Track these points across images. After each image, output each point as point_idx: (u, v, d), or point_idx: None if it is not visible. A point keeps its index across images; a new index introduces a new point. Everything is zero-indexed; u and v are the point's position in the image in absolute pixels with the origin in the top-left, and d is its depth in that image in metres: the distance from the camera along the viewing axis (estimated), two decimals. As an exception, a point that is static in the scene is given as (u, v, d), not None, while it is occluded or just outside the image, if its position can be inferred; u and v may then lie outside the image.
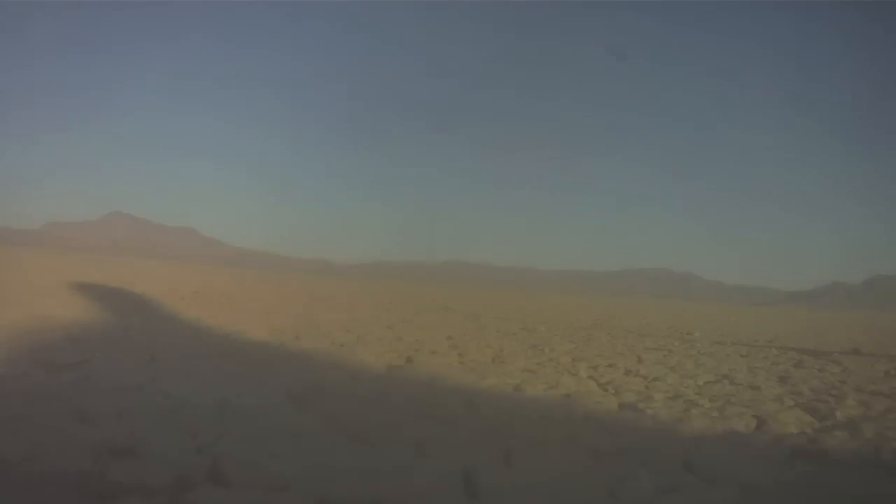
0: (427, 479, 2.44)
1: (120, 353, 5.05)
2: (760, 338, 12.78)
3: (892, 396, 5.10)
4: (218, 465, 2.44)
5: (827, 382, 5.90)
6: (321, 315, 11.63)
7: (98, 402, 3.30)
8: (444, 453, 2.80)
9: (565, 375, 5.56)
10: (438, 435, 3.12)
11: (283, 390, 4.06)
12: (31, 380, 3.72)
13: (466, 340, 8.30)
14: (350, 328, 9.13)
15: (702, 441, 3.28)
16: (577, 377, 5.52)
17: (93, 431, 2.75)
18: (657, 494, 2.43)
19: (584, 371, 5.93)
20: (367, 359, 5.75)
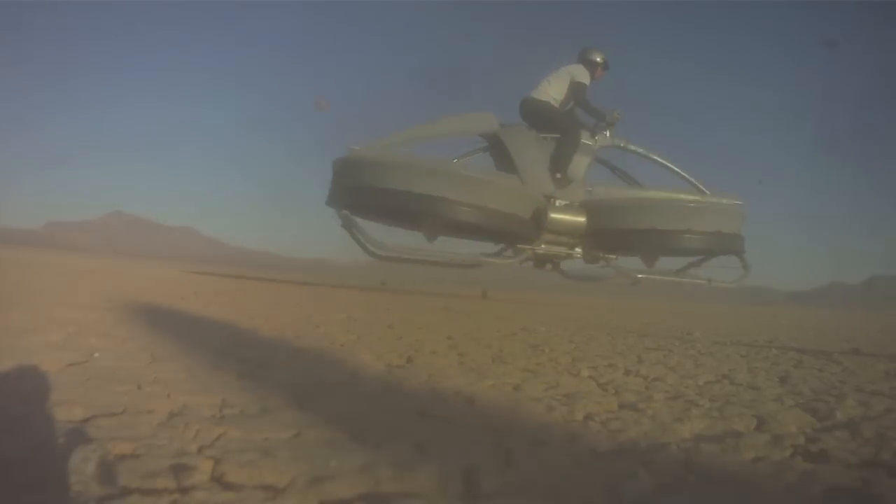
0: (427, 479, 2.45)
1: (120, 353, 5.06)
2: (760, 338, 12.79)
3: (892, 396, 5.10)
4: (218, 465, 2.44)
5: (827, 382, 5.91)
6: (321, 315, 11.63)
7: (98, 402, 3.31)
8: (444, 453, 2.80)
9: (565, 375, 5.56)
10: (438, 435, 3.12)
11: (284, 390, 4.07)
12: (31, 380, 3.73)
13: (466, 341, 8.30)
14: (350, 328, 9.13)
15: (702, 441, 3.28)
16: (578, 377, 5.52)
17: (92, 431, 2.76)
18: (657, 494, 2.44)
19: (584, 371, 5.94)
20: (367, 358, 5.75)
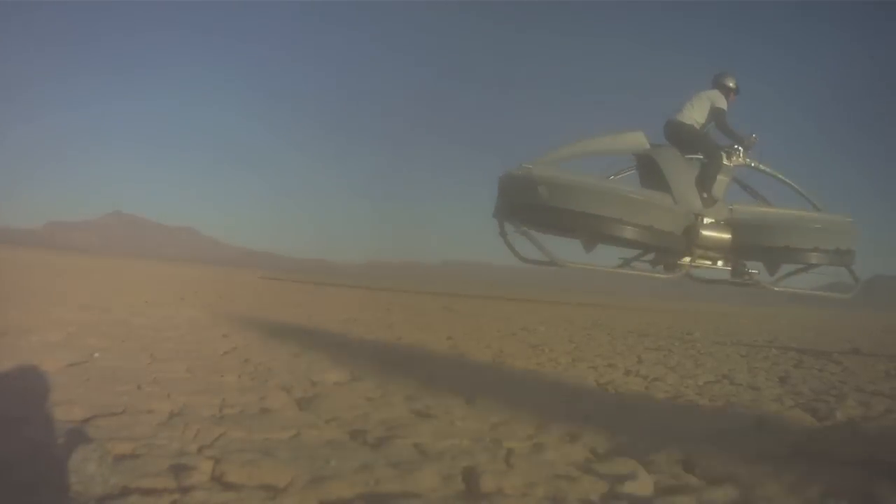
0: (427, 479, 2.45)
1: (120, 353, 5.06)
2: (760, 338, 12.78)
3: (892, 396, 5.10)
4: (218, 465, 2.45)
5: (827, 382, 5.91)
6: (321, 315, 11.63)
7: (98, 402, 3.31)
8: (444, 453, 2.81)
9: (565, 376, 5.56)
10: (438, 435, 3.12)
11: (284, 390, 4.07)
12: (31, 380, 3.73)
13: (466, 341, 8.31)
14: (350, 328, 9.14)
15: (702, 441, 3.28)
16: (578, 377, 5.53)
17: (93, 431, 2.76)
18: (657, 494, 2.44)
19: (584, 371, 5.94)
20: (367, 358, 5.75)
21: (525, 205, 4.99)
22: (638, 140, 5.61)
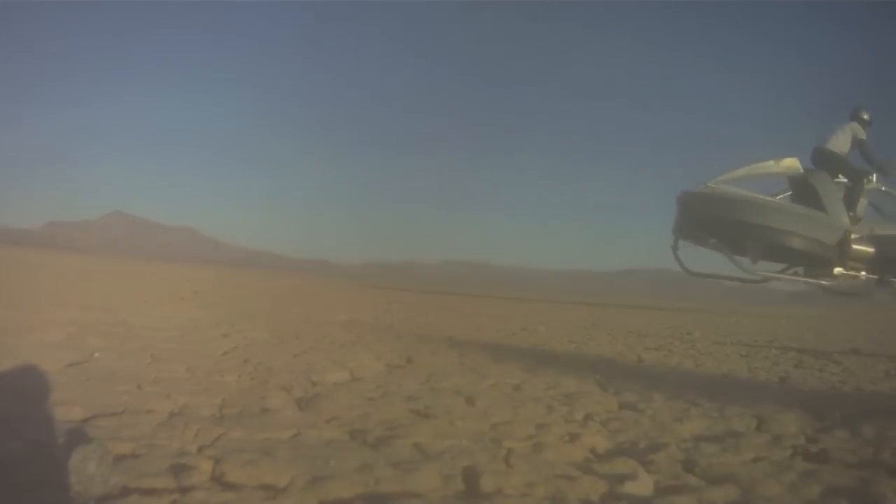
0: (427, 479, 2.45)
1: (120, 353, 5.06)
2: (760, 338, 12.78)
3: (893, 396, 5.10)
4: (218, 465, 2.45)
5: (827, 382, 5.92)
6: (321, 315, 11.64)
7: (98, 402, 3.31)
8: (444, 453, 2.81)
9: (565, 375, 5.56)
10: (438, 435, 3.12)
11: (284, 390, 4.07)
12: (31, 380, 3.73)
13: (466, 341, 8.30)
14: (350, 328, 9.14)
15: (702, 441, 3.28)
16: (578, 377, 5.52)
17: (93, 431, 2.76)
18: (657, 494, 2.44)
19: (584, 372, 5.93)
20: (367, 358, 5.75)
21: (713, 219, 5.47)
22: (794, 165, 6.25)
